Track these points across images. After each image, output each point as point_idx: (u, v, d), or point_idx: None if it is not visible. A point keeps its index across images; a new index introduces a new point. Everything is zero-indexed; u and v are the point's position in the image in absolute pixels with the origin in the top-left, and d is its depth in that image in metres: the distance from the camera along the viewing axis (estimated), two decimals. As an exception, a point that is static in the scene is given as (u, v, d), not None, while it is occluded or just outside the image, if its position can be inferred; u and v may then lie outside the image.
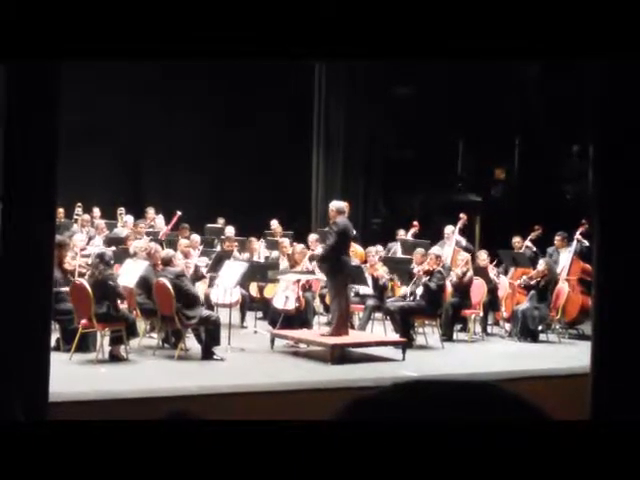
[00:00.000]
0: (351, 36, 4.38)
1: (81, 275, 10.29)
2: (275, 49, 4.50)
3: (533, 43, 4.41)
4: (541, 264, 12.21)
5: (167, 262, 10.22)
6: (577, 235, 12.93)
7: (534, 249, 13.45)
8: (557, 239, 13.07)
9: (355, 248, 13.15)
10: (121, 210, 15.25)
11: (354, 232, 14.03)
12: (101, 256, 9.88)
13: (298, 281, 11.42)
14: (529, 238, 13.62)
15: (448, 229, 13.95)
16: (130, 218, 14.50)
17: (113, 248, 11.93)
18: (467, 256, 12.56)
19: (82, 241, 12.22)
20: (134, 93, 16.28)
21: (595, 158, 6.58)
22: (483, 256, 12.67)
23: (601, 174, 5.95)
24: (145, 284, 10.19)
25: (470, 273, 12.03)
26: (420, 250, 12.17)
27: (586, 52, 4.54)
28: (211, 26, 4.32)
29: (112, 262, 10.12)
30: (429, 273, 11.37)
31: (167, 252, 10.68)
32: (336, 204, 10.59)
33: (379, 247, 13.32)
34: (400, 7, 4.35)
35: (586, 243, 12.56)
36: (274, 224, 14.78)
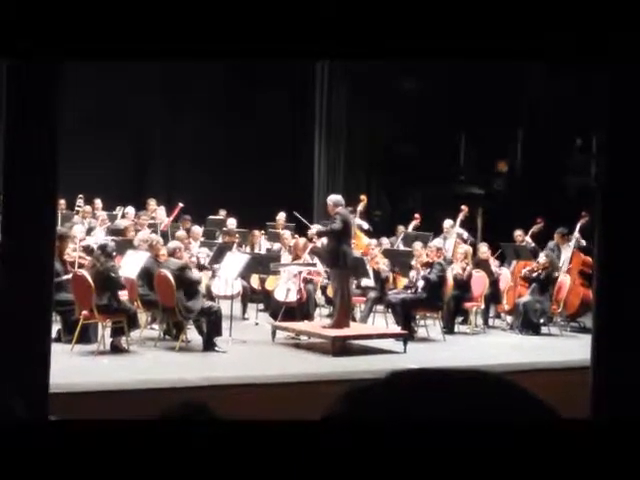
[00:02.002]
0: (351, 36, 4.37)
1: (81, 266, 10.29)
2: (275, 49, 4.49)
3: (535, 44, 4.39)
4: (542, 257, 12.21)
5: (171, 253, 10.22)
6: (576, 233, 12.89)
7: (532, 245, 13.33)
8: (557, 236, 13.02)
9: (360, 240, 13.12)
10: (119, 209, 15.19)
11: (367, 225, 14.14)
12: (103, 247, 9.88)
13: (300, 273, 11.42)
14: (530, 232, 13.58)
15: (447, 223, 13.88)
16: (131, 209, 14.47)
17: (113, 237, 11.92)
18: (466, 249, 12.54)
19: (81, 232, 12.20)
20: (138, 84, 16.23)
21: (600, 150, 6.58)
22: (484, 249, 12.66)
23: (605, 166, 5.93)
24: (146, 276, 10.19)
25: (469, 266, 12.01)
26: (419, 243, 12.17)
27: (588, 53, 4.52)
28: (211, 26, 4.32)
29: (114, 253, 10.12)
30: (429, 265, 11.36)
31: (173, 244, 10.68)
32: (333, 198, 10.57)
33: (384, 239, 13.33)
34: (400, 7, 4.33)
35: (583, 243, 12.59)
36: (280, 216, 14.59)
